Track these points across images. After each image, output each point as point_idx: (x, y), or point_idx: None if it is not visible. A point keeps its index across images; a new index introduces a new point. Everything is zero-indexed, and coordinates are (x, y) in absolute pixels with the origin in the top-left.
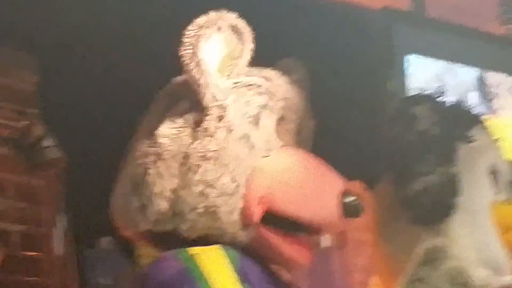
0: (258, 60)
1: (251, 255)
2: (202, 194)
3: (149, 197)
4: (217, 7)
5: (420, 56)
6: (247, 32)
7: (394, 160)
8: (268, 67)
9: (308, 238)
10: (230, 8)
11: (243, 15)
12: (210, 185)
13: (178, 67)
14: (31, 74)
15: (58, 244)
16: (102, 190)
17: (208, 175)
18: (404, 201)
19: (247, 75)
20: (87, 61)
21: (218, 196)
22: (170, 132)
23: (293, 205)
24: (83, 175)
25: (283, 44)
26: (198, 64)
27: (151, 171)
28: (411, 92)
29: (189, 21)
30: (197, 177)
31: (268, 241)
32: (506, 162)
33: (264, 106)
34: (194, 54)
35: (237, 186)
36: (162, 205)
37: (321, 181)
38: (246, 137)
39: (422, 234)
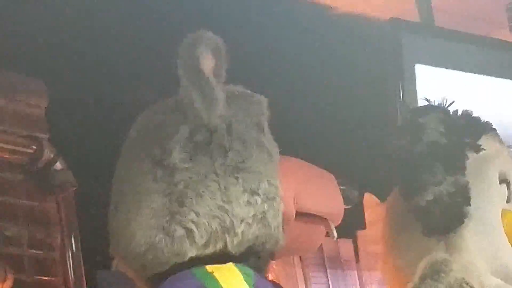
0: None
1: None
2: (249, 203)
3: (195, 220)
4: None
5: (430, 66)
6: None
7: (404, 171)
8: None
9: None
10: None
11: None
12: (254, 192)
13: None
14: (39, 98)
15: (71, 267)
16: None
17: (248, 184)
18: (415, 212)
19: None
20: (95, 84)
21: (264, 201)
22: (186, 157)
23: (315, 202)
24: (94, 198)
25: (289, 54)
26: (207, 81)
27: (189, 194)
28: (421, 103)
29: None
30: (239, 188)
31: (303, 219)
32: None
33: (263, 113)
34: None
35: (275, 188)
36: (213, 224)
37: (323, 176)
38: (261, 144)
39: (432, 246)
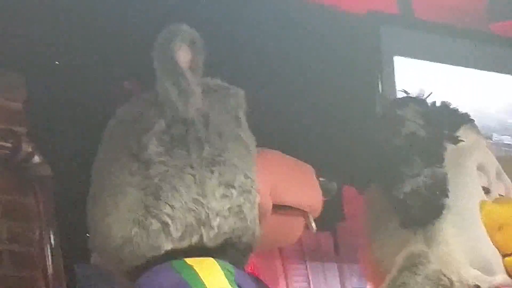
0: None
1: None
2: (224, 196)
3: (170, 214)
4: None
5: (408, 58)
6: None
7: (382, 163)
8: None
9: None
10: None
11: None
12: (230, 185)
13: None
14: (18, 92)
15: (50, 261)
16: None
17: (224, 177)
18: (393, 204)
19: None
20: (74, 77)
21: (239, 194)
22: (162, 150)
23: (293, 195)
24: (73, 191)
25: (269, 47)
26: (182, 74)
27: (164, 188)
28: (400, 94)
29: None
30: (215, 181)
31: (281, 211)
32: (494, 161)
33: (240, 106)
34: (176, 63)
35: (252, 181)
36: (188, 217)
37: (301, 169)
38: (238, 137)
39: (410, 239)
